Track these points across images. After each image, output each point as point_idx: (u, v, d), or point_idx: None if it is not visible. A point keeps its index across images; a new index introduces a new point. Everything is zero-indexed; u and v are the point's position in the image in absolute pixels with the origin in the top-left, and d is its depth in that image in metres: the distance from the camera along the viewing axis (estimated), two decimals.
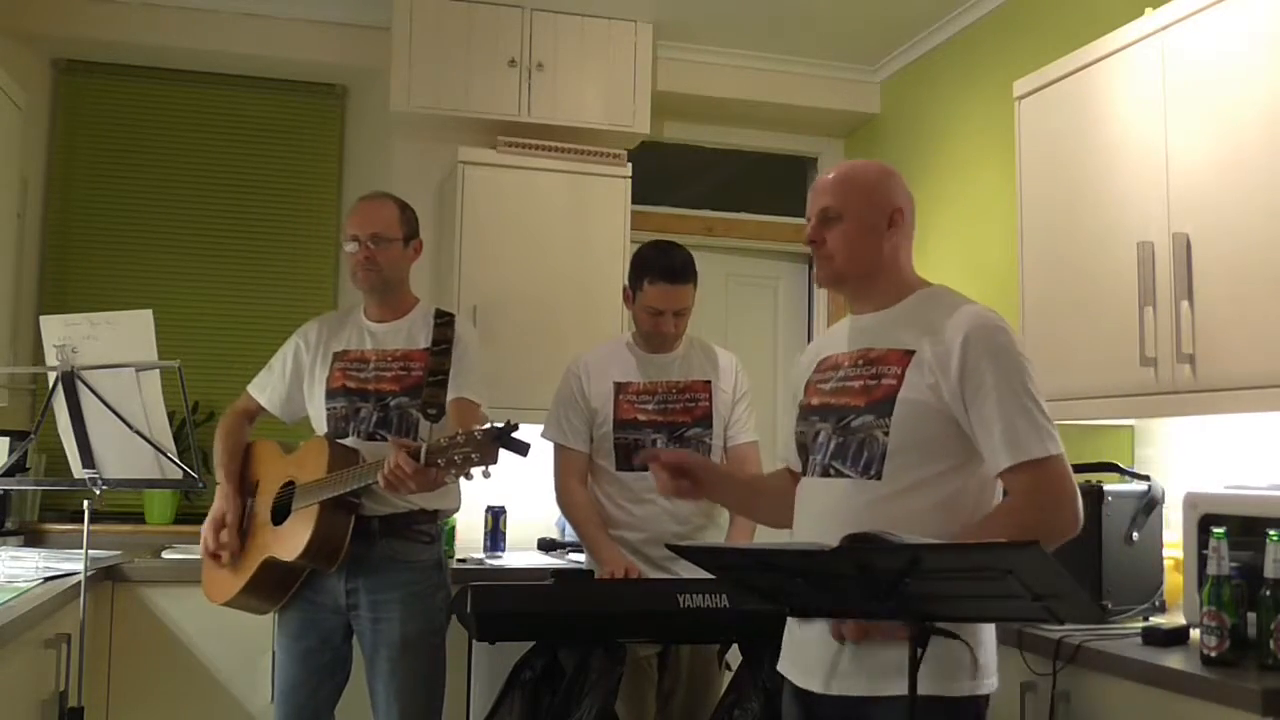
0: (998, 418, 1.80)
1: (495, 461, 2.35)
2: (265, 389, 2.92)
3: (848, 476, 1.91)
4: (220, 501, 2.77)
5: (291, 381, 2.88)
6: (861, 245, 1.98)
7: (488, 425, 2.39)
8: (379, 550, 2.69)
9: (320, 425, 2.81)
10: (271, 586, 2.72)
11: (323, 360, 2.84)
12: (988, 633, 1.91)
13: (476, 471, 2.36)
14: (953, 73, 3.98)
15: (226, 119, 4.20)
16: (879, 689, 1.80)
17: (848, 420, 1.93)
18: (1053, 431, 1.82)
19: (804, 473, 2.04)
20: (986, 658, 1.87)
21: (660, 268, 2.90)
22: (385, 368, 2.78)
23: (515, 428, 2.35)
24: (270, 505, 2.74)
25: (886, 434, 1.86)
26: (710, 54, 4.29)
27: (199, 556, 2.87)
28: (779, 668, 2.04)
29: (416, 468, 2.37)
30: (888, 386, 1.89)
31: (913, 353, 1.89)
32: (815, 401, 2.04)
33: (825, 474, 1.95)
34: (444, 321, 2.83)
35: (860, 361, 1.97)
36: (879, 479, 1.87)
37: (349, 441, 2.72)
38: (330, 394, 2.79)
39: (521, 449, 2.36)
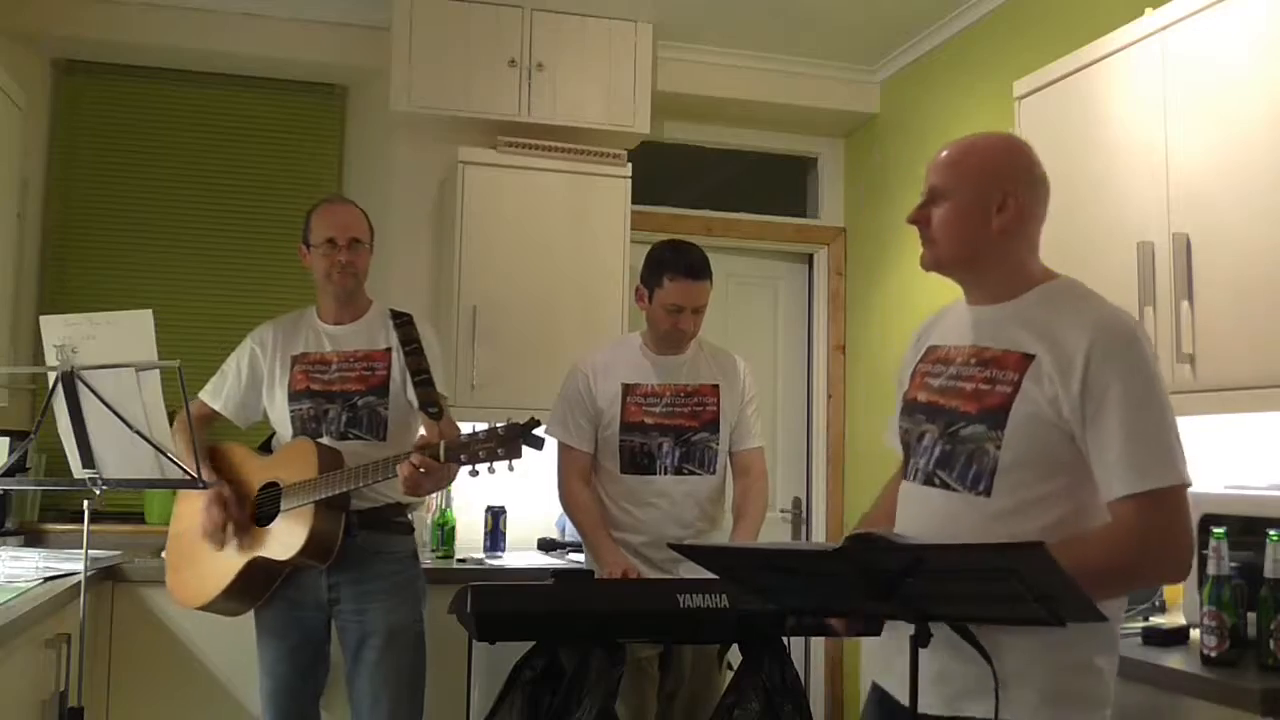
0: (1118, 438, 1.62)
1: (519, 456, 2.46)
2: (220, 394, 2.93)
3: (953, 489, 1.76)
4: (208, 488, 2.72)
5: (248, 386, 2.91)
6: (963, 229, 1.80)
7: (509, 421, 2.47)
8: (359, 544, 2.72)
9: (284, 427, 2.83)
10: (254, 587, 2.73)
11: (281, 364, 2.86)
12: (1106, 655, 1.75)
13: (500, 465, 2.47)
14: (953, 73, 3.98)
15: (226, 119, 4.20)
16: (957, 708, 1.69)
17: (956, 427, 1.77)
18: (1181, 456, 1.63)
19: (905, 473, 1.92)
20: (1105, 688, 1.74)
21: (680, 264, 2.90)
22: (349, 369, 2.81)
23: (538, 424, 2.46)
24: (252, 506, 2.74)
25: (999, 447, 1.70)
26: (710, 54, 4.29)
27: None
28: (876, 678, 1.90)
29: (436, 466, 2.49)
30: (1002, 394, 1.72)
31: (1032, 358, 1.71)
32: (923, 398, 1.87)
33: (929, 482, 1.81)
34: (405, 321, 2.85)
35: (974, 360, 1.79)
36: (988, 495, 1.71)
37: (324, 442, 2.74)
38: (294, 396, 2.81)
39: (539, 444, 2.48)
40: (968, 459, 1.74)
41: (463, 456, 2.46)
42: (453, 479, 2.64)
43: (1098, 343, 1.66)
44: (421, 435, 2.73)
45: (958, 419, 1.77)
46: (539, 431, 2.48)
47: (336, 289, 2.83)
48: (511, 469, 2.47)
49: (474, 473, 2.50)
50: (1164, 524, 1.61)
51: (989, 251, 1.81)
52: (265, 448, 2.92)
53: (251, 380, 2.90)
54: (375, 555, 2.75)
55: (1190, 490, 2.37)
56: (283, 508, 2.67)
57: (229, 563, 2.72)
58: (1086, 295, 1.79)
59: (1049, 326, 1.72)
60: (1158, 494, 1.60)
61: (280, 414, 2.84)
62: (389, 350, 2.82)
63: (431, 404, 2.69)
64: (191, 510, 2.87)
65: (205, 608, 2.78)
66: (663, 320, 2.94)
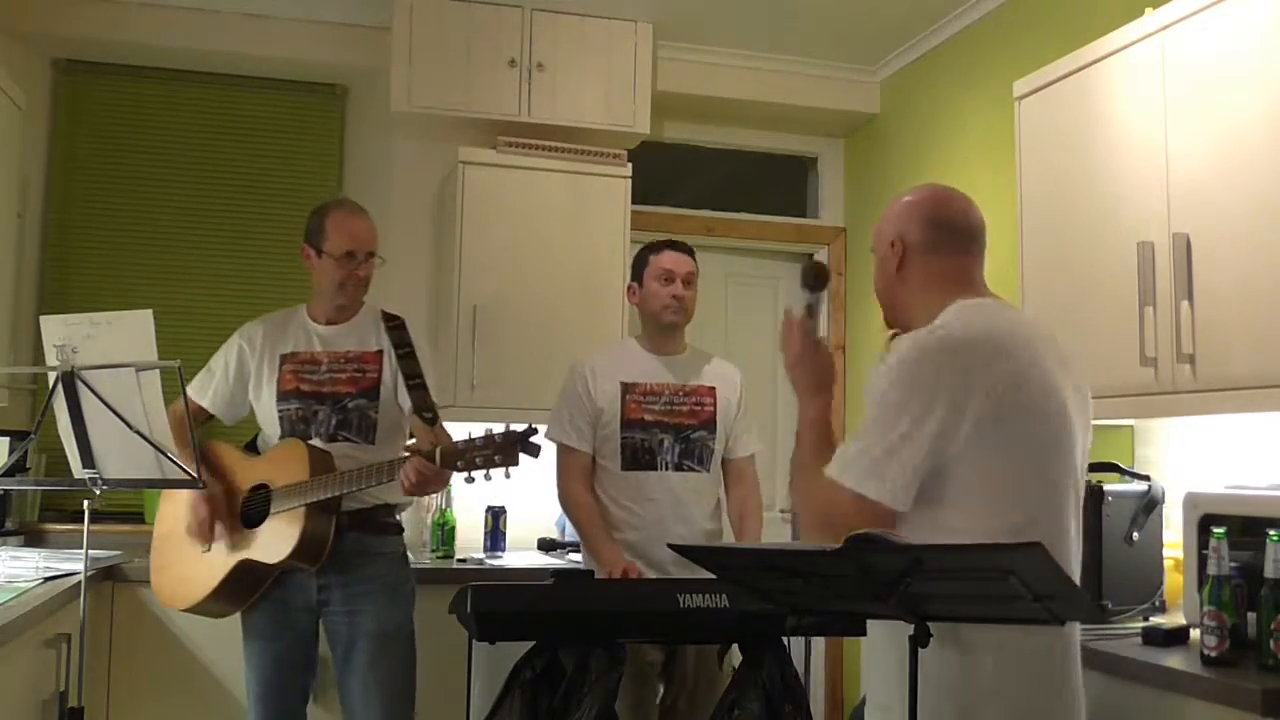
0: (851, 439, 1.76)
1: (516, 464, 2.47)
2: (207, 391, 2.90)
3: None
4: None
5: (235, 383, 2.88)
6: (879, 282, 1.98)
7: (507, 428, 2.47)
8: (349, 545, 2.71)
9: (271, 427, 2.82)
10: (241, 590, 2.73)
11: (269, 362, 2.84)
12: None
13: (497, 472, 2.48)
14: (953, 73, 3.98)
15: (226, 119, 4.20)
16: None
17: None
18: (863, 467, 1.71)
19: None
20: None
21: (663, 242, 3.06)
22: (339, 369, 2.80)
23: (535, 431, 2.47)
24: (240, 508, 2.74)
25: None
26: (710, 54, 4.29)
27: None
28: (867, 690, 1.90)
29: (436, 471, 2.49)
30: None
31: None
32: None
33: None
34: (397, 325, 2.83)
35: None
36: None
37: (314, 444, 2.73)
38: (282, 396, 2.79)
39: (536, 451, 2.49)
40: None
41: (459, 463, 2.47)
42: (447, 482, 2.65)
43: (891, 352, 1.79)
44: (413, 440, 2.71)
45: None
46: (537, 439, 2.48)
47: (348, 299, 2.84)
48: (508, 476, 2.48)
49: (470, 479, 2.51)
50: (821, 508, 1.77)
51: (900, 296, 1.94)
52: (251, 448, 2.91)
53: (239, 377, 2.87)
54: (365, 556, 2.74)
55: (1190, 490, 2.41)
56: (273, 510, 2.66)
57: (216, 565, 2.71)
58: (943, 317, 1.82)
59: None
60: (834, 483, 1.73)
61: (268, 413, 2.82)
62: (380, 353, 2.81)
63: (427, 409, 2.68)
64: (176, 511, 2.85)
65: (192, 610, 2.78)
66: (658, 296, 2.97)
